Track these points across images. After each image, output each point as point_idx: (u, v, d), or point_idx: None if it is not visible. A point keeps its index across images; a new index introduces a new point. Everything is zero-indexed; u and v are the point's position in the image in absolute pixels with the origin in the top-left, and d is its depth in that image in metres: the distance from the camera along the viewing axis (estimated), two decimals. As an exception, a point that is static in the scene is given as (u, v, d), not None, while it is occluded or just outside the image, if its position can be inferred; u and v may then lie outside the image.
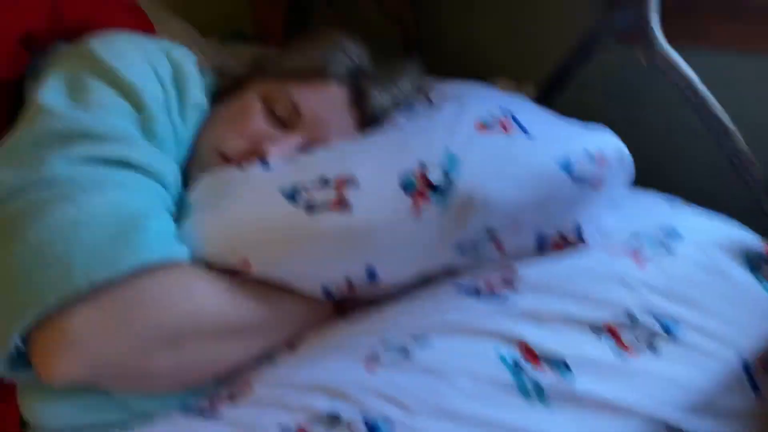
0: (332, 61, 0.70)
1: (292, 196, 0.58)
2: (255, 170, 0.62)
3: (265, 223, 0.58)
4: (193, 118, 0.67)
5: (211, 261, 0.58)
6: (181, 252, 0.56)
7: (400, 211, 0.57)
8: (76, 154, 0.55)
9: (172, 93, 0.64)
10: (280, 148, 0.66)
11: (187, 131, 0.66)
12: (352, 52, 0.72)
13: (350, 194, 0.57)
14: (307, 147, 0.67)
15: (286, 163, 0.62)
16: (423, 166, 0.58)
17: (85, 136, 0.56)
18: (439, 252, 0.59)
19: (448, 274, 0.63)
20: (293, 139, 0.68)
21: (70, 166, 0.54)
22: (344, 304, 0.64)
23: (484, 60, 0.99)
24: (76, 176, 0.54)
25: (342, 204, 0.57)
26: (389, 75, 0.74)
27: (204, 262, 0.58)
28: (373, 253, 0.58)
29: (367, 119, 0.71)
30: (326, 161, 0.61)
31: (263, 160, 0.63)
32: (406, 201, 0.57)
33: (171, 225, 0.58)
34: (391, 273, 0.60)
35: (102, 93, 0.60)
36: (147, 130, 0.60)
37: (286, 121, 0.69)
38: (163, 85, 0.63)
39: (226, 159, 0.66)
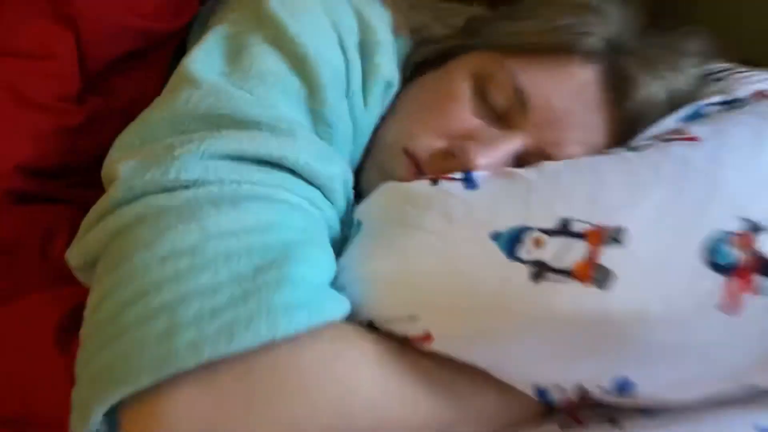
0: (583, 28, 0.47)
1: (510, 244, 0.37)
2: (454, 189, 0.41)
3: (464, 283, 0.37)
4: (379, 98, 0.48)
5: (376, 321, 0.39)
6: (337, 309, 0.37)
7: (700, 300, 0.33)
8: (218, 147, 0.39)
9: (357, 64, 0.46)
10: (493, 156, 0.45)
11: (369, 117, 0.48)
12: (612, 17, 0.48)
13: (610, 257, 0.34)
14: (532, 158, 0.45)
15: (502, 183, 0.41)
16: (751, 226, 0.33)
17: (234, 121, 0.40)
18: (756, 373, 0.35)
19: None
20: (512, 143, 0.46)
21: (207, 165, 0.38)
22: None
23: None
24: (210, 181, 0.38)
25: (595, 272, 0.34)
26: (665, 54, 0.48)
27: (365, 321, 0.39)
28: (636, 359, 0.35)
29: (628, 123, 0.47)
30: (569, 191, 0.38)
31: (467, 174, 0.42)
32: (714, 284, 0.33)
33: (329, 264, 0.39)
34: (657, 391, 0.36)
35: (265, 60, 0.43)
36: (316, 115, 0.44)
37: (504, 113, 0.47)
38: (345, 53, 0.45)
39: (414, 162, 0.47)
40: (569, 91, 0.46)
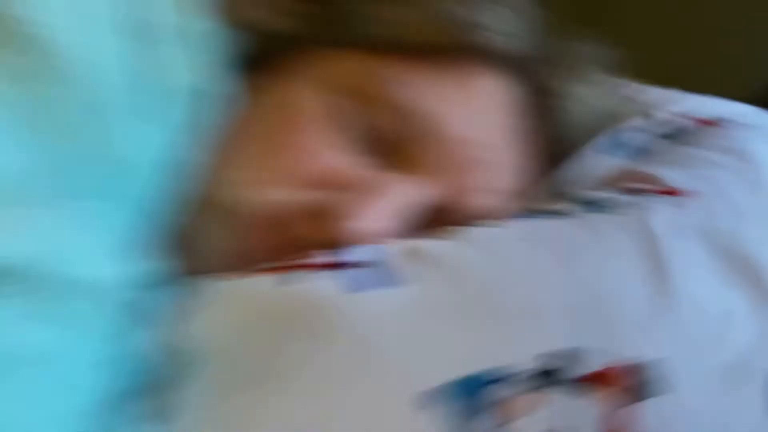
0: (486, 20, 0.32)
1: (464, 417, 0.20)
2: (341, 284, 0.23)
3: None
4: (177, 122, 0.27)
5: None
6: None
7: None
8: None
9: (137, 64, 0.25)
10: (383, 214, 0.28)
11: (157, 152, 0.27)
12: (520, 11, 0.34)
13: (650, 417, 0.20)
14: (436, 216, 0.29)
15: (429, 277, 0.24)
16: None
17: None
18: None
19: None
20: (416, 192, 0.29)
21: None
22: None
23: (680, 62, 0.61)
24: None
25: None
26: (581, 62, 0.36)
27: None
28: None
29: (552, 152, 0.33)
30: (550, 298, 0.23)
31: (351, 254, 0.25)
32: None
33: None
34: None
35: None
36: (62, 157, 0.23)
37: (387, 147, 0.30)
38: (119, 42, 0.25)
39: (269, 228, 0.27)
40: (482, 112, 0.31)
